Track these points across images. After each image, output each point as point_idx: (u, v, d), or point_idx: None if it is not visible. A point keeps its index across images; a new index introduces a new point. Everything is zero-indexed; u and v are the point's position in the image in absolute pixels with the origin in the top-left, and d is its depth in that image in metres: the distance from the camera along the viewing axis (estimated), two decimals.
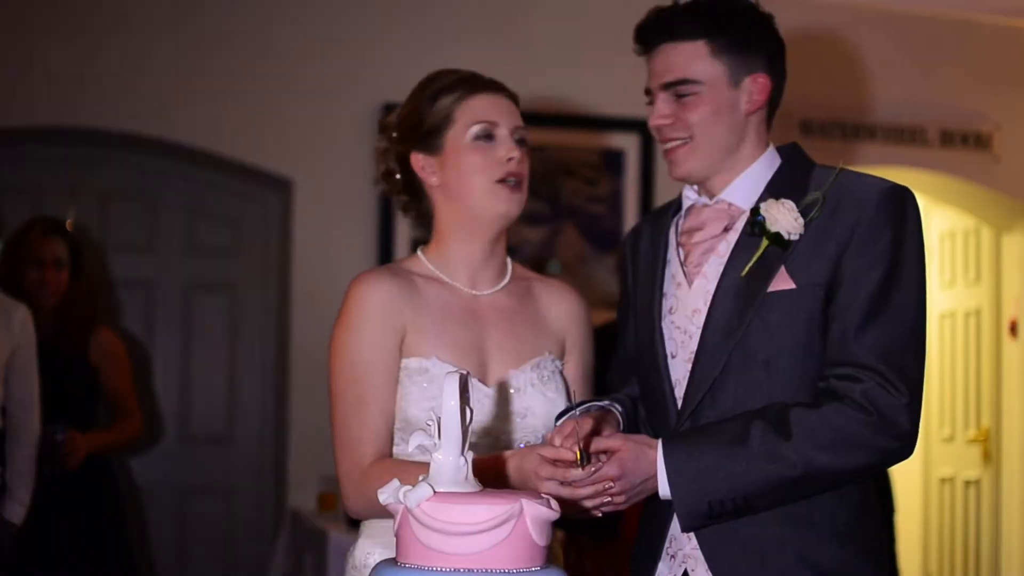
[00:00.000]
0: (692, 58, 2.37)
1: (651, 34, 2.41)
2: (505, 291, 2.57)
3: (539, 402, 2.47)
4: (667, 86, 2.39)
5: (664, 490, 2.23)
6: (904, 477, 6.51)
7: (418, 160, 2.52)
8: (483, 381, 2.46)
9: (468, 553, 1.68)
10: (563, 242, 6.00)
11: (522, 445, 2.45)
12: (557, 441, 2.21)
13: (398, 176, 2.58)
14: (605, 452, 2.23)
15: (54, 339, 4.68)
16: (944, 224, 7.67)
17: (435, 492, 1.72)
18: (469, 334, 2.48)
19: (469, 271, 2.54)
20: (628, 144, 6.14)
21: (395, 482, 1.75)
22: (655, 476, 2.22)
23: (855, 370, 2.22)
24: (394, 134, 2.58)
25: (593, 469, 2.18)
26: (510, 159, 2.47)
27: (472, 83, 2.52)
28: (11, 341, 4.21)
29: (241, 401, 6.19)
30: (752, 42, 2.39)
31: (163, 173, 6.09)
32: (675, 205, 2.52)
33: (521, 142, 2.51)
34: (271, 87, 5.83)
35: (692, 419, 2.32)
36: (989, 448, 7.23)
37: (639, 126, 6.04)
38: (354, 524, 4.06)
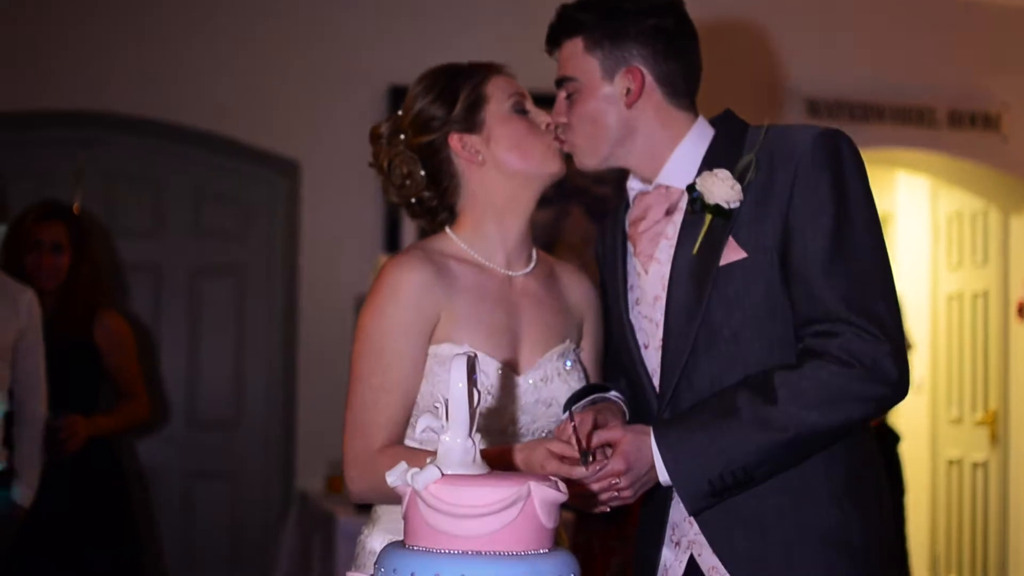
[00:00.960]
0: (570, 55, 2.40)
1: (551, 32, 2.45)
2: (534, 274, 2.56)
3: (564, 391, 2.47)
4: (557, 84, 2.43)
5: (663, 476, 2.22)
6: (912, 459, 6.51)
7: (458, 140, 2.50)
8: (514, 368, 2.45)
9: (476, 535, 1.67)
10: (569, 224, 6.00)
11: (544, 434, 2.46)
12: (563, 438, 2.21)
13: (422, 173, 2.55)
14: (609, 445, 2.22)
15: (57, 322, 4.67)
16: (952, 205, 7.65)
17: (443, 474, 1.72)
18: (503, 319, 2.47)
19: (505, 250, 2.52)
20: None
21: (403, 464, 1.74)
22: (655, 466, 2.21)
23: (829, 325, 2.19)
24: (403, 135, 2.55)
25: (597, 467, 2.18)
26: (548, 125, 2.50)
27: (485, 66, 2.56)
28: (18, 324, 4.21)
29: (248, 384, 6.19)
30: (627, 35, 2.36)
31: (170, 156, 6.09)
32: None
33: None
34: (278, 69, 5.82)
35: (671, 405, 2.32)
36: (997, 430, 7.22)
37: None
38: (362, 507, 4.07)
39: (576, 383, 2.49)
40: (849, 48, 6.52)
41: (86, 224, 5.05)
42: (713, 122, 2.42)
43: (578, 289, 2.63)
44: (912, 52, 6.60)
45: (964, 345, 7.54)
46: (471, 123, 2.50)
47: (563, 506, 1.77)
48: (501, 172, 2.50)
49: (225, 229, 6.18)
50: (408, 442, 2.43)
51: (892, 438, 6.29)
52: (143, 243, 6.08)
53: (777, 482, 2.24)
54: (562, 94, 2.43)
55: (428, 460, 1.76)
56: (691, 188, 2.30)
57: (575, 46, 2.39)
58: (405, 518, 1.73)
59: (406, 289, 2.39)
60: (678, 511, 2.32)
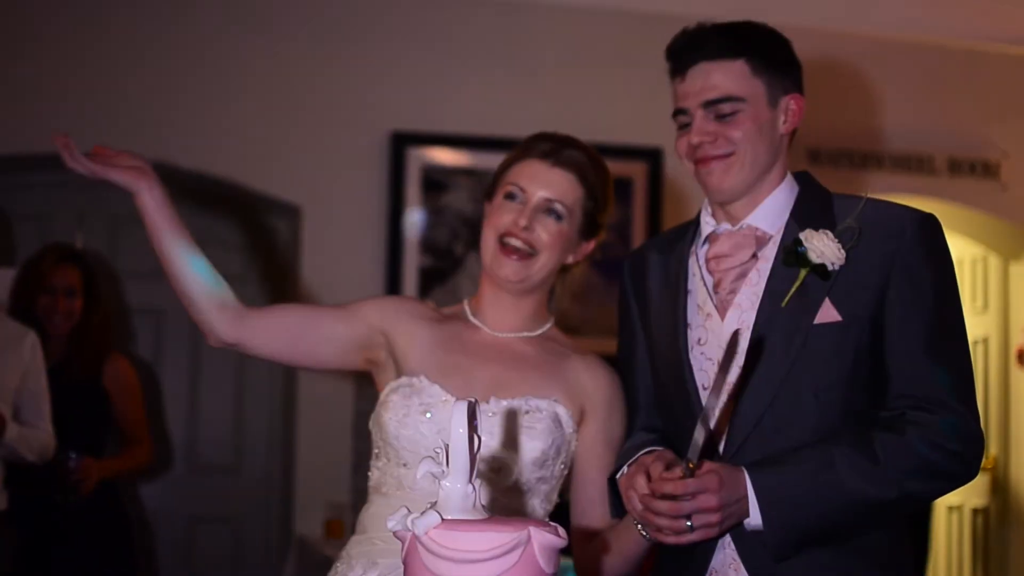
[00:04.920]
0: (734, 76, 2.35)
1: (686, 53, 2.39)
2: (531, 340, 2.62)
3: (503, 432, 2.48)
4: (708, 104, 2.36)
5: (755, 518, 2.19)
6: None
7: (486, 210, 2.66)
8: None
9: None
10: (572, 272, 5.99)
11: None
12: (656, 471, 2.19)
13: None
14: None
15: (67, 366, 4.70)
16: (952, 252, 7.64)
17: (443, 519, 1.72)
18: (455, 359, 2.55)
19: (493, 313, 2.62)
20: (636, 172, 6.14)
21: (403, 510, 1.75)
22: (745, 498, 2.19)
23: (926, 402, 2.23)
24: None
25: (691, 484, 2.12)
26: (516, 222, 2.54)
27: (527, 148, 2.60)
28: (21, 366, 4.22)
29: (248, 429, 6.18)
30: (787, 63, 2.40)
31: (172, 199, 6.08)
32: (691, 233, 2.49)
33: (549, 212, 2.56)
34: (280, 114, 5.85)
35: (739, 455, 2.28)
36: (997, 476, 7.21)
37: (647, 154, 6.04)
38: None
39: (540, 431, 2.47)
40: (849, 97, 6.55)
41: (97, 268, 5.07)
42: (796, 177, 2.45)
43: (586, 375, 2.61)
44: (911, 101, 6.63)
45: None
46: (489, 199, 2.65)
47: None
48: None
49: (226, 273, 6.12)
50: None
51: None
52: (145, 286, 6.07)
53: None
54: (702, 113, 2.36)
55: (428, 504, 1.77)
56: (797, 242, 2.30)
57: (739, 68, 2.35)
58: (405, 563, 1.74)
59: (393, 298, 2.81)
60: (719, 558, 2.31)
